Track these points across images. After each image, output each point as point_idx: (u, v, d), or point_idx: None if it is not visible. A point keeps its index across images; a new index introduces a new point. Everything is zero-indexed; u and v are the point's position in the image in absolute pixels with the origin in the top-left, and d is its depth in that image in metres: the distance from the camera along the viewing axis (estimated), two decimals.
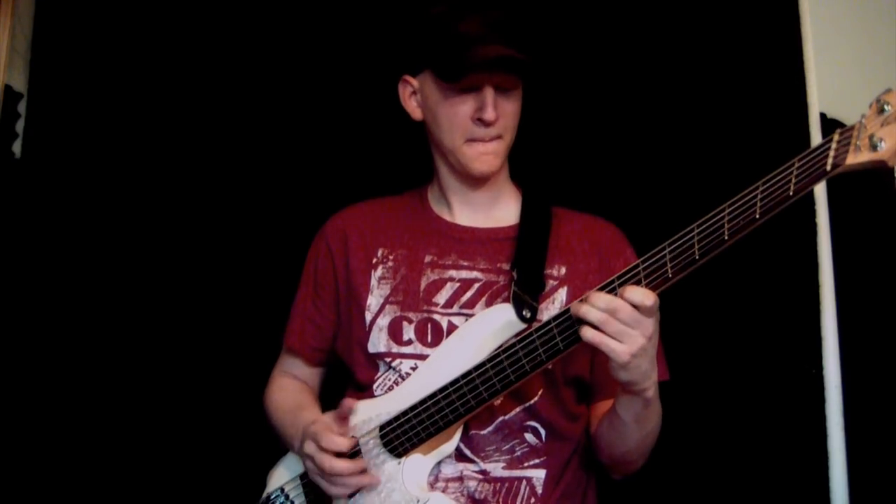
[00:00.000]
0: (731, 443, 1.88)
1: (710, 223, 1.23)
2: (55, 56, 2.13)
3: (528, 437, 1.44)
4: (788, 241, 1.88)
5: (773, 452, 1.87)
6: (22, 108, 2.12)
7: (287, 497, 1.50)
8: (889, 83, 1.97)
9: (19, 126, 2.11)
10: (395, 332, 1.49)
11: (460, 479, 1.41)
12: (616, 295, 1.24)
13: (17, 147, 2.10)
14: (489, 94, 1.44)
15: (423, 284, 1.50)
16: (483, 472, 1.42)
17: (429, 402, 1.37)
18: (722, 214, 1.23)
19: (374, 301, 1.51)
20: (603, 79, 2.02)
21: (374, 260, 1.54)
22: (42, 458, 1.97)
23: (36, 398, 1.99)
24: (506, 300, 1.44)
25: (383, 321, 1.50)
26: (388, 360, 1.49)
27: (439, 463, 1.41)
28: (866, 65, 2.00)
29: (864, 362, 1.88)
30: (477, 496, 1.41)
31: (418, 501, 1.36)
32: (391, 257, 1.54)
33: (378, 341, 1.49)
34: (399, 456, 1.39)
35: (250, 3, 2.12)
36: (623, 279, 1.27)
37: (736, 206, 1.22)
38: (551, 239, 1.52)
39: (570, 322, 1.29)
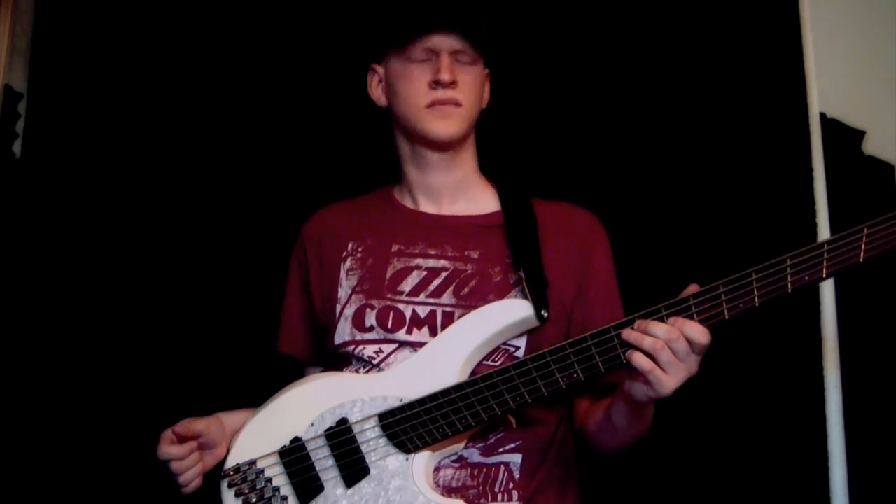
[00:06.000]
0: (731, 442, 1.88)
1: (770, 271, 1.23)
2: (55, 56, 2.13)
3: (500, 423, 1.42)
4: (788, 240, 1.88)
5: (773, 452, 1.87)
6: (22, 108, 2.12)
7: (261, 473, 1.42)
8: (889, 83, 1.99)
9: (19, 126, 2.11)
10: (358, 321, 1.48)
11: (436, 469, 1.40)
12: (665, 322, 1.24)
13: (17, 147, 2.10)
14: (444, 57, 1.49)
15: (388, 273, 1.50)
16: (460, 458, 1.41)
17: (442, 400, 1.35)
18: (784, 265, 1.23)
19: (343, 293, 1.52)
20: (604, 77, 2.03)
21: (344, 254, 1.55)
22: (42, 458, 1.97)
23: (36, 398, 1.99)
24: (474, 290, 1.45)
25: (349, 311, 1.50)
26: (350, 348, 1.48)
27: None
28: (866, 65, 2.01)
29: (864, 362, 1.88)
30: (454, 484, 1.40)
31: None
32: (360, 249, 1.55)
33: (343, 331, 1.49)
34: (407, 452, 1.37)
35: (247, 5, 2.13)
36: (672, 309, 1.26)
37: (800, 260, 1.23)
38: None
39: (612, 344, 1.28)
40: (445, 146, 1.54)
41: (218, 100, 2.10)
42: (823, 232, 1.90)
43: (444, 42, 1.50)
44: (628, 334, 1.26)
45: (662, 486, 1.88)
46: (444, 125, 1.50)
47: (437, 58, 1.49)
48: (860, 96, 1.99)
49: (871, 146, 1.96)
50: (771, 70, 1.97)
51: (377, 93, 1.59)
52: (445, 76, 1.48)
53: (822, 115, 1.95)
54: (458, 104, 1.50)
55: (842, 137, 1.96)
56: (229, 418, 1.51)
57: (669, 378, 1.23)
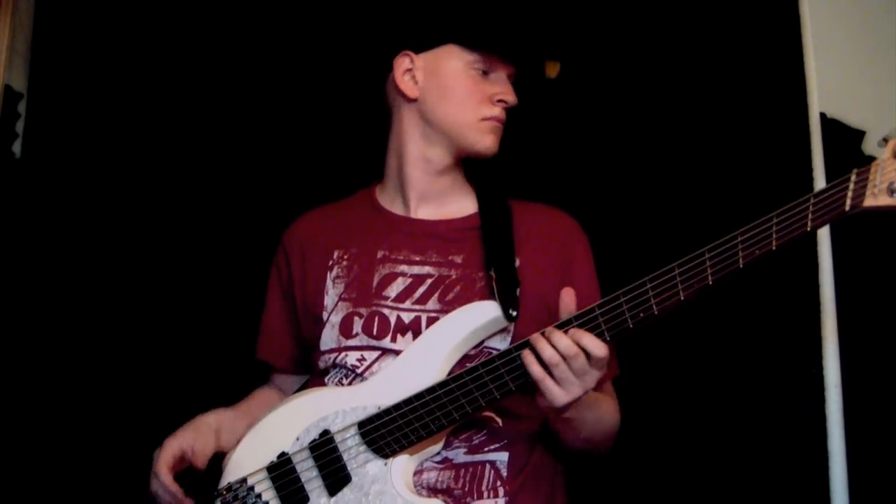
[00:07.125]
0: (731, 442, 1.88)
1: (722, 249, 1.24)
2: (55, 56, 2.13)
3: (485, 423, 1.44)
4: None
5: (773, 452, 1.87)
6: (22, 108, 2.12)
7: (251, 490, 1.45)
8: (889, 83, 1.99)
9: (19, 126, 2.11)
10: (345, 328, 1.50)
11: (420, 471, 1.41)
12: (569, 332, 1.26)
13: (17, 147, 2.11)
14: (507, 79, 1.56)
15: (375, 280, 1.51)
16: (445, 459, 1.42)
17: (416, 403, 1.36)
18: (735, 242, 1.24)
19: (329, 301, 1.53)
20: (602, 78, 2.03)
21: (330, 262, 1.56)
22: (41, 458, 1.97)
23: (36, 398, 1.99)
24: (458, 295, 1.46)
25: (336, 318, 1.51)
26: (334, 355, 1.49)
27: None
28: (866, 65, 2.01)
29: (864, 362, 1.88)
30: (439, 486, 1.41)
31: None
32: (346, 257, 1.55)
33: (329, 338, 1.51)
34: (385, 457, 1.39)
35: (247, 5, 2.13)
36: (629, 295, 1.27)
37: (750, 235, 1.23)
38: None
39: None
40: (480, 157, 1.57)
41: (217, 98, 2.11)
42: (823, 231, 1.90)
43: (510, 65, 1.56)
44: (534, 339, 1.27)
45: (659, 485, 1.88)
46: (493, 141, 1.54)
47: (496, 73, 1.54)
48: (860, 96, 1.99)
49: (871, 146, 1.96)
50: (771, 70, 1.97)
51: (407, 83, 1.55)
52: (513, 99, 1.54)
53: (822, 115, 1.95)
54: (504, 122, 1.56)
55: (842, 137, 1.96)
56: (210, 417, 1.55)
57: (562, 392, 1.25)
